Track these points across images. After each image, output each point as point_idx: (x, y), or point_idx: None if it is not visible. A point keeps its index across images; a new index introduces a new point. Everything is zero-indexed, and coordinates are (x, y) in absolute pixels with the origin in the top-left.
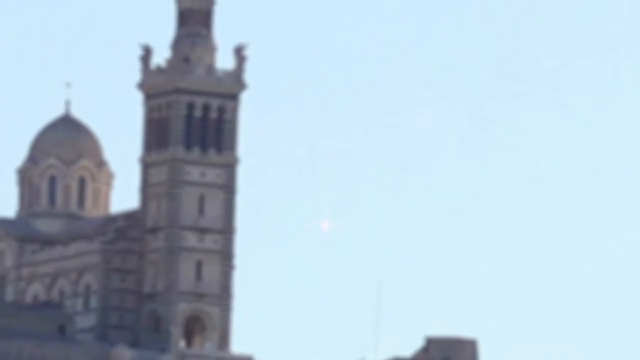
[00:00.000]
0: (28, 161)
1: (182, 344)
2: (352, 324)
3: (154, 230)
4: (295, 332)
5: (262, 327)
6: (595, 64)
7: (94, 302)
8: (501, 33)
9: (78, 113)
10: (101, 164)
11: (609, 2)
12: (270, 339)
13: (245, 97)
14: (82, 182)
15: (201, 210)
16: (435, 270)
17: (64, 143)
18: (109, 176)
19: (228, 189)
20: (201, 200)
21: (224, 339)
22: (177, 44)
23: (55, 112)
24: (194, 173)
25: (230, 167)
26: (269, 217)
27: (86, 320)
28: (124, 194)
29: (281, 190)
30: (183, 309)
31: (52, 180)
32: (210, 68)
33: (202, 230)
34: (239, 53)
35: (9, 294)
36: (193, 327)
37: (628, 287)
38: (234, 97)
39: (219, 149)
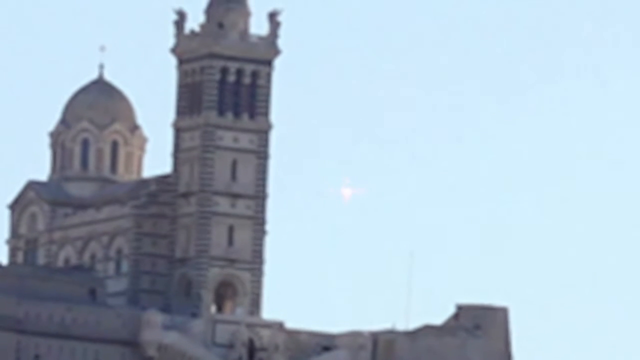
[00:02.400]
0: (61, 124)
1: (213, 308)
2: (383, 291)
3: (186, 195)
4: (326, 299)
5: (293, 293)
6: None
7: (125, 266)
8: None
9: (111, 77)
10: (134, 128)
11: None
12: (301, 305)
13: (278, 63)
14: (114, 146)
15: (233, 175)
16: (466, 237)
17: (97, 107)
18: (142, 140)
19: (261, 154)
20: (234, 165)
21: (255, 304)
22: (211, 9)
23: (88, 76)
24: (226, 138)
25: (263, 133)
26: (301, 183)
27: (117, 284)
28: (156, 159)
29: (314, 156)
30: (214, 274)
31: (85, 144)
32: (244, 33)
33: (235, 196)
34: (273, 19)
35: (41, 257)
36: (224, 292)
37: None
38: (267, 63)
39: (252, 114)
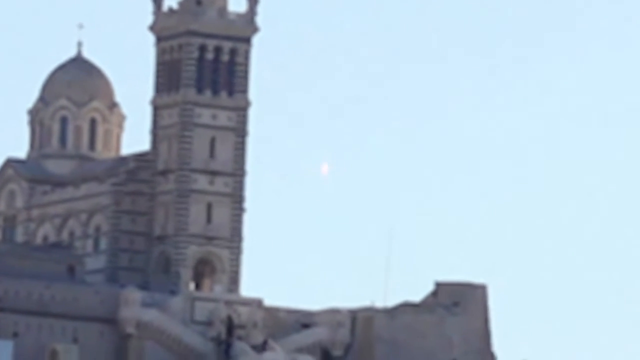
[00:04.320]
0: (39, 102)
1: (191, 286)
2: (362, 269)
3: (164, 173)
4: (304, 276)
5: (272, 270)
6: (611, 11)
7: (103, 244)
8: None
9: (90, 54)
10: (112, 105)
11: None
12: (279, 283)
13: (257, 40)
14: (93, 124)
15: (212, 153)
16: (445, 215)
17: (75, 84)
18: (120, 118)
19: (239, 132)
20: (212, 143)
21: (233, 281)
22: None
23: (66, 54)
24: (205, 116)
25: (241, 110)
26: (279, 161)
27: (96, 262)
28: (135, 136)
29: (292, 133)
30: (193, 251)
31: (63, 122)
32: (223, 10)
33: (213, 173)
34: None
35: (19, 235)
36: (203, 270)
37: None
38: (246, 40)
39: (231, 91)
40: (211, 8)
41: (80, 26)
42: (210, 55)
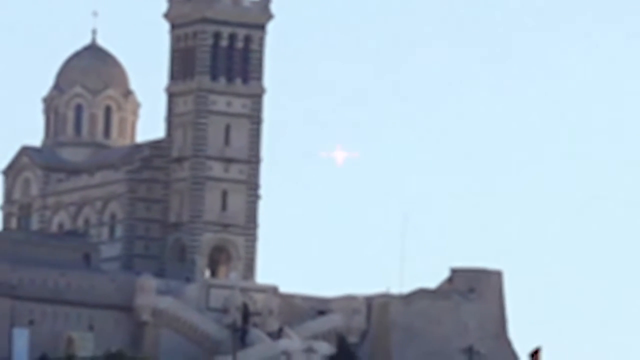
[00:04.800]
0: (54, 90)
1: (207, 273)
2: (378, 255)
3: (179, 160)
4: (320, 263)
5: (287, 257)
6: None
7: (119, 231)
8: None
9: (104, 42)
10: (127, 93)
11: None
12: (295, 269)
13: (271, 27)
14: (108, 111)
15: (227, 140)
16: (460, 201)
17: (90, 72)
18: (135, 105)
19: (254, 119)
20: (227, 130)
21: (248, 268)
22: None
23: (81, 41)
24: (220, 103)
25: (256, 97)
26: (294, 147)
27: (111, 249)
28: (149, 124)
29: (307, 120)
30: (208, 238)
31: (78, 109)
32: None
33: (228, 160)
34: None
35: (35, 223)
36: (218, 257)
37: None
38: (260, 27)
39: (245, 79)
40: None
41: (95, 14)
42: (224, 43)
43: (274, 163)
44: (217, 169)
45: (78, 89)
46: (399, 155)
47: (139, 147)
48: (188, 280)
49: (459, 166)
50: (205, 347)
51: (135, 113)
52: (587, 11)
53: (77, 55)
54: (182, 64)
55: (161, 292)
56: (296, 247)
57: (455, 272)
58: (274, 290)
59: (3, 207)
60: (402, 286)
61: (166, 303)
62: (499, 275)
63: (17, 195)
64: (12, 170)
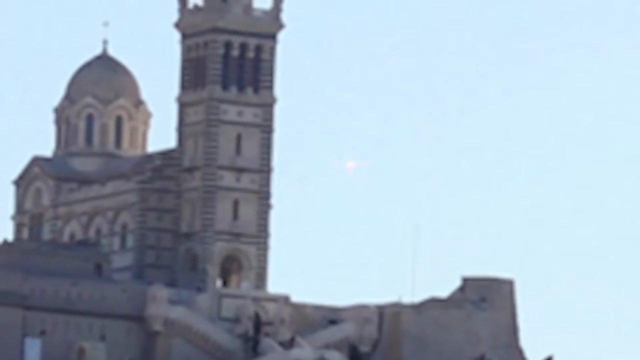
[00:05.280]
0: (65, 100)
1: (218, 283)
2: (389, 264)
3: (190, 170)
4: (331, 272)
5: (299, 266)
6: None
7: (130, 241)
8: None
9: (115, 52)
10: (138, 103)
11: None
12: (306, 279)
13: (282, 37)
14: (119, 121)
15: (238, 149)
16: (471, 209)
17: (101, 82)
18: (146, 115)
19: (265, 128)
20: (238, 139)
21: (260, 278)
22: None
23: (92, 51)
24: (231, 112)
25: (267, 107)
26: (306, 157)
27: (123, 259)
28: (161, 133)
29: (318, 129)
30: (220, 248)
31: (90, 119)
32: (248, 7)
33: (239, 170)
34: None
35: (46, 233)
36: (230, 267)
37: None
38: (271, 37)
39: (256, 88)
40: (236, 5)
41: (106, 24)
42: (235, 52)
43: (286, 172)
44: (228, 179)
45: (89, 99)
46: (410, 165)
47: (150, 157)
48: (200, 290)
49: (470, 175)
50: (217, 357)
51: (146, 123)
52: (598, 17)
53: (88, 65)
54: (193, 73)
55: (173, 302)
56: (308, 257)
57: (466, 281)
58: (285, 299)
59: (14, 218)
60: (413, 295)
61: (178, 313)
62: (511, 284)
63: (28, 205)
64: (24, 180)
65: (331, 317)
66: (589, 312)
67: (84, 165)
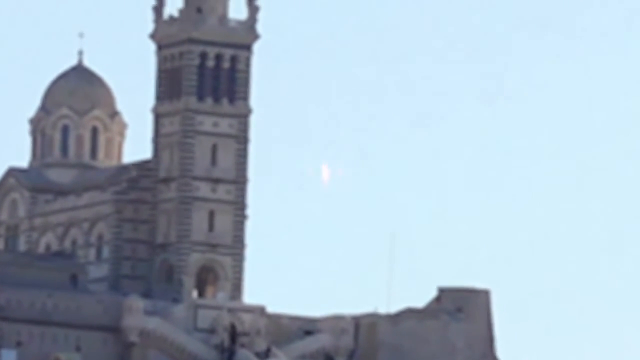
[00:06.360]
0: (41, 111)
1: (194, 293)
2: (365, 275)
3: (166, 180)
4: (307, 283)
5: (275, 277)
6: (608, 15)
7: (106, 252)
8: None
9: (91, 63)
10: (114, 114)
11: None
12: (282, 290)
13: (257, 47)
14: (94, 132)
15: (214, 160)
16: (447, 220)
17: (77, 93)
18: (122, 126)
19: (241, 139)
20: (214, 150)
21: (236, 288)
22: None
23: (67, 62)
24: (206, 123)
25: (243, 118)
26: (281, 168)
27: (98, 270)
28: (136, 144)
29: (293, 140)
30: (195, 259)
31: (65, 130)
32: (223, 18)
33: (215, 180)
34: (252, 3)
35: (22, 244)
36: (205, 277)
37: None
38: (246, 47)
39: (232, 99)
40: (212, 16)
41: (81, 35)
42: (211, 63)
43: (261, 183)
44: (204, 189)
45: (64, 110)
46: (386, 175)
47: (125, 167)
48: (175, 300)
49: (446, 185)
50: None
51: (122, 134)
52: (588, 30)
53: (63, 76)
54: (168, 84)
55: (148, 312)
56: (283, 267)
57: (442, 292)
58: (261, 310)
59: None
60: (389, 306)
61: (154, 324)
62: (487, 295)
63: (4, 216)
64: None
65: (307, 327)
66: (564, 322)
67: (59, 176)
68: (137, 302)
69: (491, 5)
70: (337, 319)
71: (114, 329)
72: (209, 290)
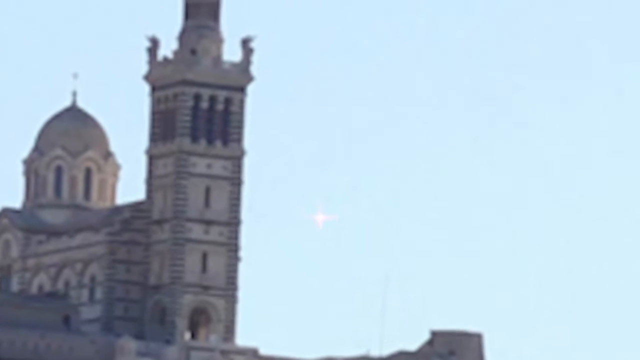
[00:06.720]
0: (34, 152)
1: (187, 335)
2: (357, 317)
3: (159, 222)
4: (300, 325)
5: (267, 319)
6: (607, 57)
7: (99, 293)
8: (507, 24)
9: (84, 104)
10: (107, 155)
11: None
12: (275, 332)
13: (251, 90)
14: (88, 173)
15: (207, 202)
16: (440, 263)
17: (70, 134)
18: (115, 167)
19: (234, 181)
20: (207, 192)
21: (229, 331)
22: (184, 35)
23: (61, 103)
24: (200, 165)
25: (236, 159)
26: (275, 210)
27: (91, 311)
28: (130, 186)
29: (287, 182)
30: (188, 300)
31: (58, 171)
32: (217, 60)
33: (208, 222)
34: (246, 45)
35: (15, 285)
36: (198, 319)
37: (633, 283)
38: (240, 89)
39: (225, 141)
40: (206, 57)
41: (75, 76)
42: (205, 105)
43: (255, 225)
44: (197, 231)
45: (58, 151)
46: (379, 218)
47: (119, 209)
48: (168, 342)
49: (439, 229)
50: None
51: (115, 175)
52: (589, 68)
53: (57, 117)
54: (162, 125)
55: (141, 354)
56: (276, 309)
57: (435, 335)
58: (254, 352)
59: None
60: (382, 348)
61: None
62: (480, 338)
63: None
64: None
65: None
66: None
67: (52, 217)
68: (129, 344)
69: (489, 54)
70: None
71: None
72: (202, 332)
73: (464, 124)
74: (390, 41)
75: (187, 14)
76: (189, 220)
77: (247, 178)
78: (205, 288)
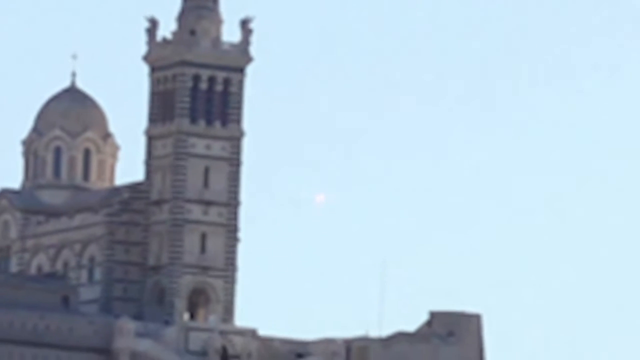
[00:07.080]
0: (33, 133)
1: (186, 316)
2: (357, 298)
3: (158, 203)
4: (299, 306)
5: (266, 300)
6: (603, 52)
7: (98, 274)
8: (507, 23)
9: (83, 85)
10: (106, 135)
11: None
12: (274, 312)
13: (250, 70)
14: (87, 154)
15: (206, 182)
16: (439, 244)
17: (70, 115)
18: (114, 148)
19: (233, 161)
20: (206, 173)
21: (227, 311)
22: (183, 16)
23: (60, 84)
24: (199, 146)
25: (235, 140)
26: (273, 190)
27: (90, 292)
28: (129, 166)
29: (286, 163)
30: (187, 281)
31: (57, 152)
32: (216, 41)
33: (207, 203)
34: (245, 26)
35: (14, 265)
36: (197, 300)
37: (633, 264)
38: (239, 70)
39: (224, 121)
40: (205, 38)
41: (74, 57)
42: (204, 85)
43: (253, 206)
44: (196, 212)
45: (57, 132)
46: (377, 198)
47: (118, 189)
48: (167, 323)
49: (438, 210)
50: None
51: (114, 156)
52: (579, 64)
53: (56, 97)
54: (161, 106)
55: (140, 334)
56: (275, 290)
57: (434, 316)
58: (252, 333)
59: None
60: (381, 329)
61: (145, 346)
62: (478, 319)
63: None
64: None
65: (298, 350)
66: (556, 346)
67: (51, 197)
68: (128, 324)
69: (491, 43)
70: (329, 342)
71: (105, 351)
72: (201, 312)
73: (464, 109)
74: (391, 21)
75: None
76: (188, 201)
77: (246, 159)
78: (204, 269)
